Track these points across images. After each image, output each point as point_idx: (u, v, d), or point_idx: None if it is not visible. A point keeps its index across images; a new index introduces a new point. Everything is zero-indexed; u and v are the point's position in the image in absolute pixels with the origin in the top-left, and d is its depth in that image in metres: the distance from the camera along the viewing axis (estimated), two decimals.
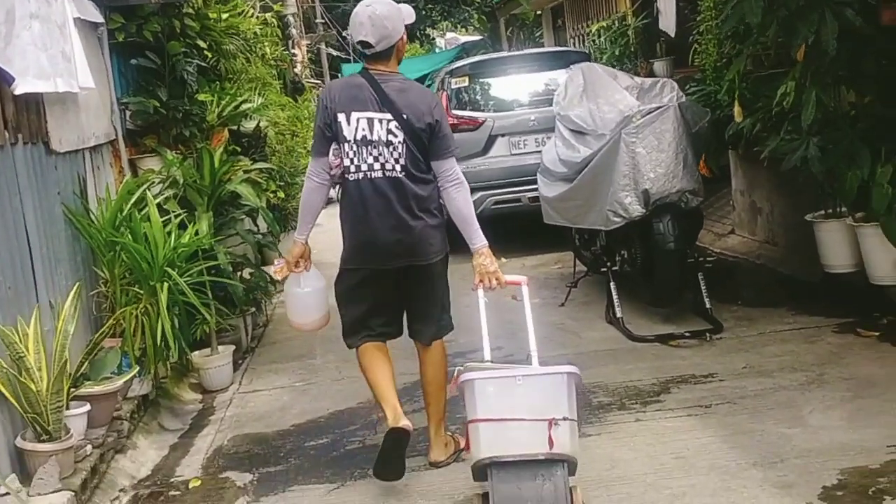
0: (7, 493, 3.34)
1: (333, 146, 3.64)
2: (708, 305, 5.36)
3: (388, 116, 3.57)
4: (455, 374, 3.31)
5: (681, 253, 5.36)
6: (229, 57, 7.00)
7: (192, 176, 5.64)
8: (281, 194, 7.73)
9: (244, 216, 6.13)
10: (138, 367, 4.51)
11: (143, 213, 5.01)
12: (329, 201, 4.06)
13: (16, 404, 3.57)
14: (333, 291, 3.89)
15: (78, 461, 3.73)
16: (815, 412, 3.90)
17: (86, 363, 4.16)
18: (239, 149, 6.72)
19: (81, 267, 4.82)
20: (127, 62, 5.86)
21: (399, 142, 3.57)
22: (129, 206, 5.02)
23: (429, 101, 3.69)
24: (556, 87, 7.82)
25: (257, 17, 8.94)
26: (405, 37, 3.72)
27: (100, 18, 5.36)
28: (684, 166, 5.29)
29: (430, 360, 3.82)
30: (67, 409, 3.78)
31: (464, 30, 24.62)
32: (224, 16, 6.88)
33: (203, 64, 6.35)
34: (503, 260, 6.56)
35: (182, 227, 5.20)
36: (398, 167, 3.58)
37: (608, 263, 5.76)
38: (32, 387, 3.55)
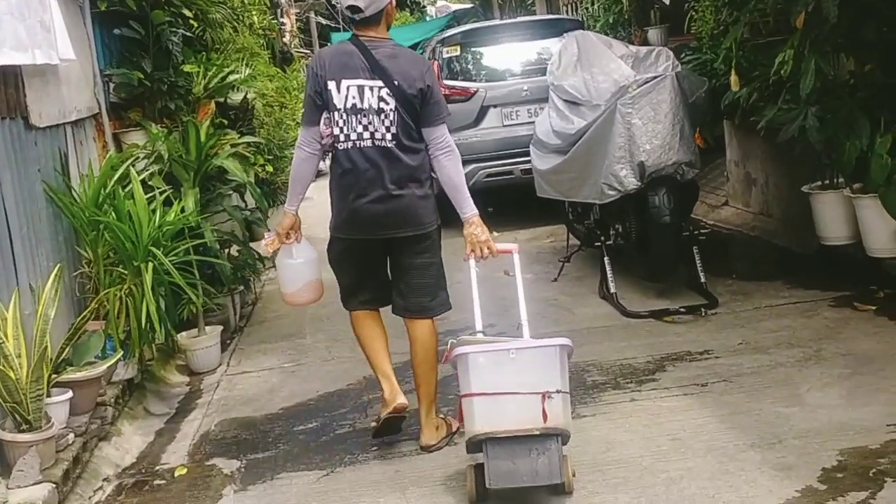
0: None
1: (324, 115, 3.59)
2: (703, 280, 5.28)
3: (380, 83, 3.51)
4: (448, 348, 3.29)
5: (676, 226, 5.27)
6: (215, 26, 6.82)
7: (177, 150, 5.50)
8: (269, 168, 7.58)
9: (231, 192, 5.99)
10: (122, 352, 4.42)
11: (127, 190, 4.88)
12: (319, 173, 3.98)
13: None
14: (328, 262, 3.86)
15: (59, 451, 3.64)
16: (813, 390, 3.83)
17: (68, 348, 4.05)
18: (226, 122, 6.57)
19: (63, 247, 4.70)
20: (110, 32, 5.69)
21: (391, 109, 3.52)
22: (112, 182, 4.89)
23: (420, 66, 3.62)
24: (549, 56, 7.69)
25: None
26: (394, 1, 3.66)
27: None
28: (681, 138, 5.19)
29: (419, 338, 3.75)
30: (48, 396, 3.68)
31: None
32: None
33: (188, 34, 6.18)
34: (495, 233, 6.43)
35: (167, 203, 5.08)
36: (389, 136, 3.53)
37: (602, 238, 5.67)
38: (11, 375, 3.45)
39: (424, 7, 25.00)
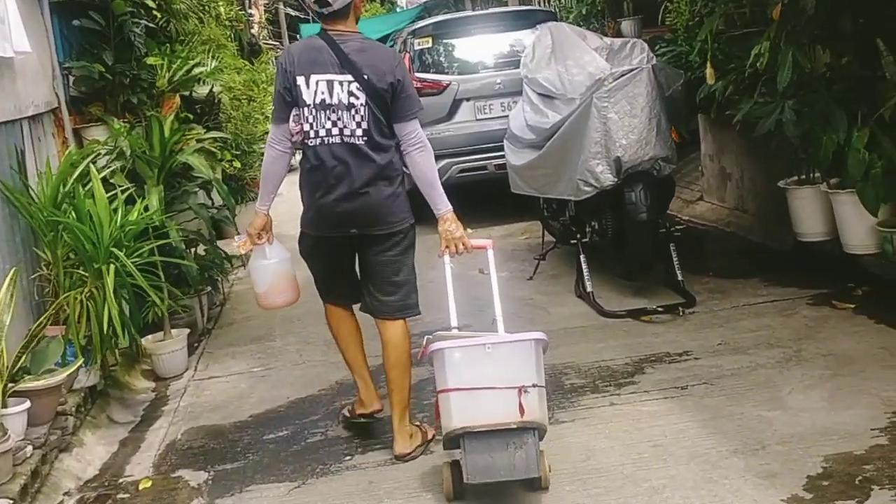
0: None
1: (294, 111, 3.51)
2: (680, 278, 5.20)
3: (349, 77, 3.45)
4: (424, 344, 3.27)
5: (653, 223, 5.19)
6: (180, 17, 6.61)
7: (140, 146, 5.31)
8: (237, 164, 7.40)
9: (197, 189, 5.81)
10: (83, 359, 4.24)
11: (87, 188, 4.69)
12: (290, 169, 3.88)
13: None
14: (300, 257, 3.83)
15: (17, 465, 3.47)
16: (795, 392, 3.76)
17: (25, 355, 3.89)
18: (191, 116, 6.36)
19: (21, 249, 4.52)
20: (69, 23, 5.47)
21: (361, 104, 3.45)
22: (72, 180, 4.71)
23: (390, 60, 3.55)
24: (521, 48, 7.60)
25: None
26: None
27: None
28: (657, 132, 5.10)
29: (391, 340, 3.65)
30: (4, 407, 3.52)
31: None
32: None
33: (151, 25, 5.96)
34: (469, 230, 6.30)
35: (130, 202, 4.90)
36: (359, 132, 3.46)
37: (578, 235, 5.57)
38: None
39: None
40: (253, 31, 13.38)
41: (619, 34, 9.54)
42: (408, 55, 8.21)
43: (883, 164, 4.48)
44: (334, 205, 3.51)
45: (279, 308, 4.13)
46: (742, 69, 5.64)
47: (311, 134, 3.50)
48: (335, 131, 3.47)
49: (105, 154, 5.27)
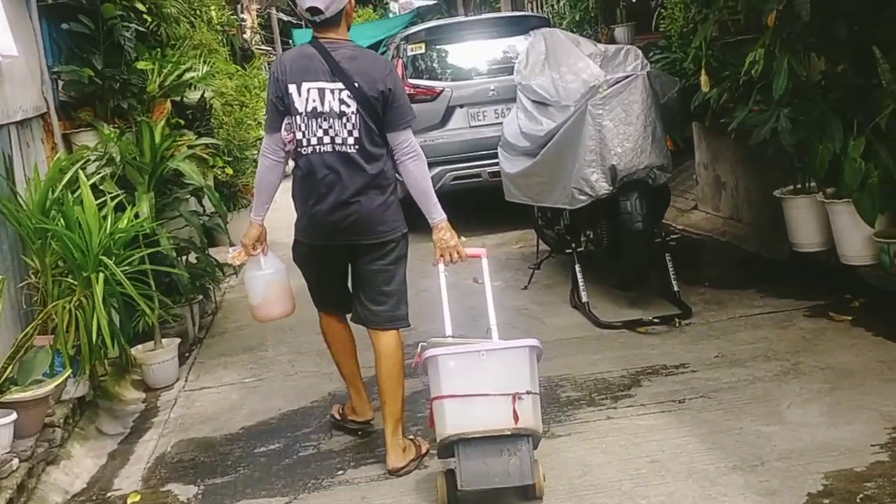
0: None
1: (286, 120, 3.51)
2: (676, 288, 5.15)
3: (340, 85, 3.43)
4: (418, 351, 3.26)
5: (649, 233, 5.14)
6: (171, 21, 6.52)
7: (131, 152, 5.24)
8: (229, 170, 7.31)
9: (189, 196, 5.74)
10: (71, 369, 4.17)
11: (76, 194, 4.62)
12: (284, 176, 3.85)
13: None
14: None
15: (3, 478, 3.40)
16: (794, 407, 3.72)
17: (11, 365, 3.82)
18: (183, 122, 6.29)
19: (9, 256, 4.45)
20: (58, 26, 5.39)
21: (352, 112, 3.43)
22: (60, 187, 4.63)
23: (381, 68, 3.53)
24: (515, 54, 7.57)
25: None
26: (353, 1, 3.59)
27: None
28: (653, 140, 5.06)
29: (383, 351, 3.60)
30: None
31: None
32: None
33: (142, 29, 5.89)
34: (463, 238, 6.26)
35: (121, 209, 4.83)
36: (351, 140, 3.45)
37: (573, 244, 5.53)
38: None
39: (387, 4, 24.71)
40: (245, 36, 13.29)
41: (612, 41, 9.51)
42: (401, 61, 8.17)
43: (880, 174, 4.46)
44: (326, 214, 3.49)
45: (274, 320, 4.07)
46: (737, 76, 5.60)
47: (303, 142, 3.48)
48: (326, 140, 3.45)
49: (95, 160, 5.19)
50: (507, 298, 5.58)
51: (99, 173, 5.10)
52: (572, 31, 9.10)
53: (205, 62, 6.96)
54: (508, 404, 3.04)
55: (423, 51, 8.26)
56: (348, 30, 3.60)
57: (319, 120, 3.44)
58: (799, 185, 5.34)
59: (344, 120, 3.43)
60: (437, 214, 3.56)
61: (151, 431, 4.37)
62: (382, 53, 10.18)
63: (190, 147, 5.75)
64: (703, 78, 6.01)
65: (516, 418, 3.04)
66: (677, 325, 4.87)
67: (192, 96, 6.53)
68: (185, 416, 4.50)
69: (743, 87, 5.59)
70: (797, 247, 5.32)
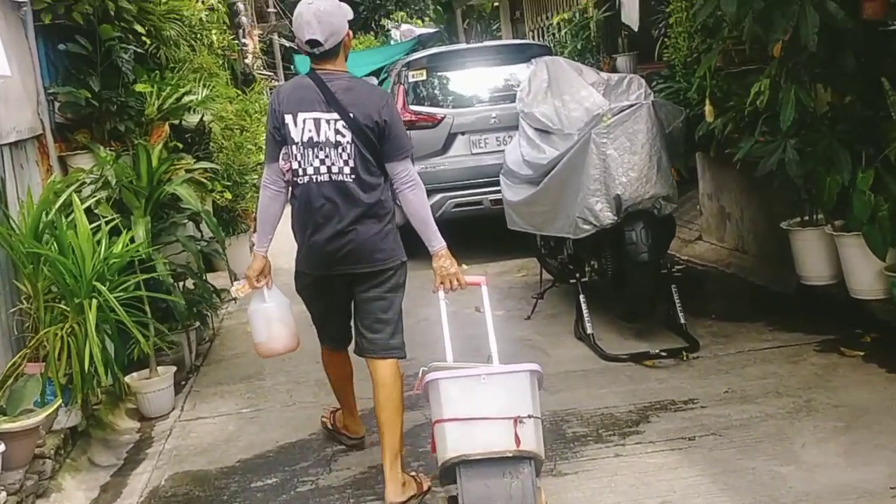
0: None
1: (283, 150, 3.54)
2: (682, 321, 5.05)
3: (335, 116, 3.46)
4: (420, 376, 3.26)
5: (655, 264, 5.06)
6: (170, 44, 6.46)
7: (127, 176, 5.15)
8: (228, 195, 7.22)
9: (186, 220, 5.64)
10: (63, 398, 4.04)
11: (69, 218, 4.52)
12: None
13: None
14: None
15: None
16: (808, 446, 3.60)
17: (0, 394, 3.69)
18: (181, 145, 6.21)
19: (0, 281, 4.32)
20: (55, 47, 5.32)
21: (347, 142, 3.46)
22: (54, 210, 4.53)
23: (377, 99, 3.55)
24: (516, 82, 7.53)
25: (203, 2, 8.41)
26: (350, 33, 3.63)
27: None
28: (658, 170, 4.99)
29: (381, 381, 3.56)
30: None
31: (419, 21, 24.12)
32: None
33: (141, 51, 5.82)
34: (464, 266, 6.18)
35: (116, 233, 4.72)
36: (347, 169, 3.47)
37: (577, 274, 5.43)
38: None
39: (389, 31, 24.81)
40: (247, 60, 13.26)
41: (614, 70, 9.50)
42: (402, 87, 8.11)
43: (889, 207, 4.39)
44: (324, 244, 3.50)
45: (278, 355, 3.98)
46: (741, 107, 5.56)
47: (300, 172, 3.50)
48: (323, 169, 3.47)
49: (90, 183, 5.10)
50: (510, 328, 5.48)
51: (94, 196, 5.01)
52: (574, 60, 9.09)
53: (205, 86, 6.89)
54: (510, 428, 3.02)
55: (424, 77, 8.22)
56: (346, 60, 3.63)
57: (316, 149, 3.46)
58: (806, 217, 5.27)
59: (339, 150, 3.45)
60: (436, 242, 3.56)
61: (145, 463, 4.24)
62: (383, 80, 10.16)
63: (188, 171, 5.66)
64: (708, 108, 5.98)
65: (518, 441, 3.02)
66: (685, 358, 4.77)
67: (191, 120, 6.45)
68: (181, 448, 4.37)
69: (748, 118, 5.55)
70: (805, 279, 5.24)
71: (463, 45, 10.74)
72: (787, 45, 4.64)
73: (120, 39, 5.48)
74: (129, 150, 5.48)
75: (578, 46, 10.72)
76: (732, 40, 5.85)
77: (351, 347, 3.81)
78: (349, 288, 3.63)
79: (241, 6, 13.02)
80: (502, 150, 6.76)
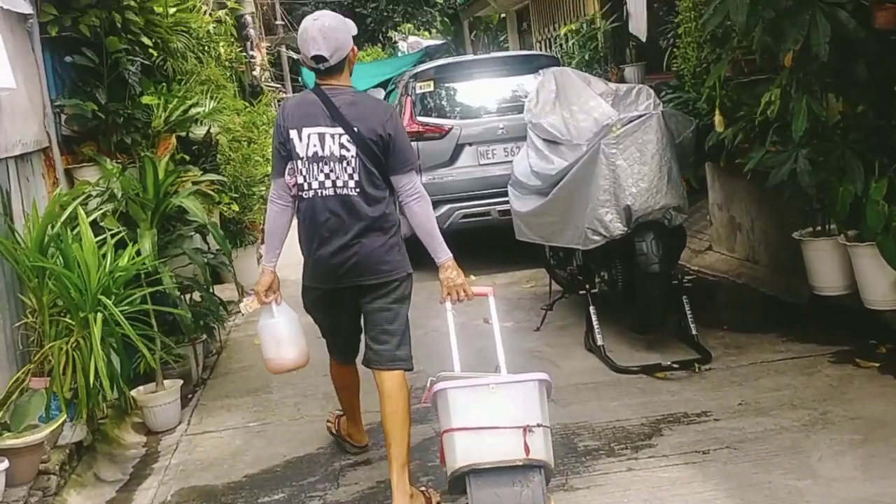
0: None
1: (289, 164, 3.57)
2: (694, 332, 4.99)
3: (340, 130, 3.49)
4: (428, 386, 3.26)
5: (665, 275, 4.99)
6: (177, 56, 6.44)
7: (133, 188, 5.12)
8: (235, 207, 7.19)
9: (193, 233, 5.61)
10: (66, 415, 3.99)
11: (75, 231, 4.49)
12: None
13: None
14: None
15: None
16: (825, 459, 3.53)
17: (4, 409, 3.65)
18: (188, 157, 6.20)
19: (5, 295, 4.30)
20: (62, 59, 5.30)
21: (352, 156, 3.48)
22: (59, 223, 4.50)
23: (381, 113, 3.57)
24: (524, 93, 7.51)
25: (210, 15, 8.41)
26: (355, 48, 3.65)
27: (28, 9, 4.80)
28: (668, 180, 4.94)
29: (387, 391, 3.55)
30: None
31: (427, 33, 24.14)
32: (171, 10, 6.31)
33: (147, 63, 5.81)
34: (472, 277, 6.16)
35: (122, 245, 4.69)
36: (351, 183, 3.49)
37: (587, 285, 5.37)
38: None
39: (396, 43, 24.85)
40: (255, 72, 13.26)
41: (622, 80, 9.47)
42: (409, 99, 8.08)
43: None
44: (329, 257, 3.52)
45: (288, 371, 3.93)
46: (752, 117, 5.51)
47: (305, 186, 3.52)
48: (328, 183, 3.49)
49: (96, 196, 5.07)
50: (519, 340, 5.42)
51: (100, 209, 4.98)
52: (582, 71, 9.06)
53: (212, 98, 6.88)
54: (519, 437, 3.03)
55: (431, 89, 8.19)
56: (350, 75, 3.65)
57: (320, 164, 3.49)
58: (819, 228, 5.22)
59: (344, 164, 3.47)
60: (443, 254, 3.57)
61: (151, 478, 4.19)
62: (391, 92, 10.14)
63: (195, 183, 5.64)
64: (718, 118, 5.93)
65: (527, 450, 3.02)
66: (697, 370, 4.70)
67: (198, 132, 6.42)
68: (187, 462, 4.31)
69: (758, 128, 5.50)
70: (818, 290, 5.18)
71: (470, 57, 10.74)
72: (798, 54, 4.60)
73: (127, 51, 5.47)
74: (135, 162, 5.45)
75: (586, 57, 10.71)
76: (742, 50, 5.81)
77: (359, 359, 3.81)
78: (356, 300, 3.63)
79: (248, 18, 13.05)
80: (510, 161, 6.74)
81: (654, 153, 4.92)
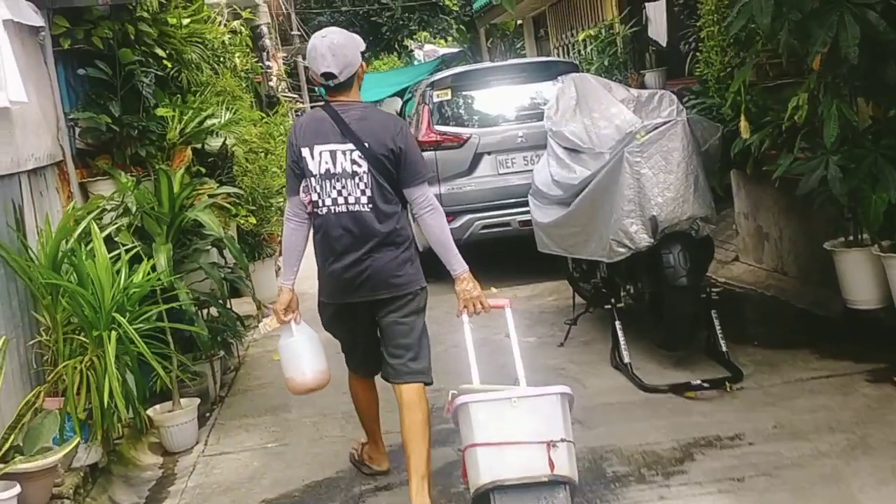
0: None
1: (303, 182, 3.60)
2: (724, 348, 4.82)
3: (351, 146, 3.52)
4: (449, 400, 3.24)
5: (694, 288, 4.83)
6: (192, 67, 6.37)
7: (148, 202, 5.03)
8: (252, 220, 7.10)
9: (209, 247, 5.51)
10: (80, 437, 3.90)
11: (89, 247, 4.40)
12: None
13: None
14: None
15: None
16: (867, 489, 3.36)
17: (15, 431, 3.55)
18: (204, 170, 6.11)
19: (18, 312, 4.21)
20: (75, 72, 5.23)
21: (364, 171, 3.51)
22: (73, 238, 4.41)
23: (391, 128, 3.59)
24: (543, 100, 7.38)
25: (225, 25, 8.35)
26: (363, 64, 3.68)
27: (39, 21, 4.72)
28: (695, 189, 4.79)
29: (406, 403, 3.55)
30: None
31: (443, 41, 24.07)
32: (185, 21, 6.23)
33: (161, 74, 5.72)
34: (493, 289, 6.03)
35: (137, 260, 4.60)
36: (364, 199, 3.52)
37: (612, 299, 5.22)
38: None
39: (412, 51, 24.76)
40: (271, 83, 13.19)
41: (643, 86, 9.32)
42: (427, 108, 7.97)
43: None
44: (342, 271, 3.54)
45: (310, 391, 3.84)
46: (778, 122, 5.36)
47: (319, 203, 3.55)
48: (340, 200, 3.52)
49: (110, 210, 4.99)
50: (542, 356, 5.28)
51: (115, 224, 4.90)
52: (601, 77, 8.91)
53: (227, 109, 6.80)
54: (543, 452, 2.99)
55: (449, 97, 8.07)
56: (359, 90, 3.68)
57: (333, 181, 3.51)
58: (851, 238, 5.06)
59: (356, 180, 3.50)
60: (458, 266, 3.58)
61: (168, 502, 4.09)
62: (408, 100, 10.04)
63: (210, 196, 5.55)
64: (743, 124, 5.78)
65: (552, 466, 2.97)
66: (728, 389, 4.53)
67: (214, 144, 6.35)
68: (204, 486, 4.21)
69: (785, 134, 5.35)
70: (851, 303, 5.02)
71: (487, 64, 10.60)
72: (826, 57, 4.45)
73: (140, 63, 5.40)
74: (150, 175, 5.37)
75: (605, 63, 10.55)
76: (767, 53, 5.68)
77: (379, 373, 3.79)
78: (371, 315, 3.64)
79: (264, 29, 12.98)
80: (530, 170, 6.63)
81: (680, 161, 4.77)
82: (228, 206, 6.03)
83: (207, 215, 5.19)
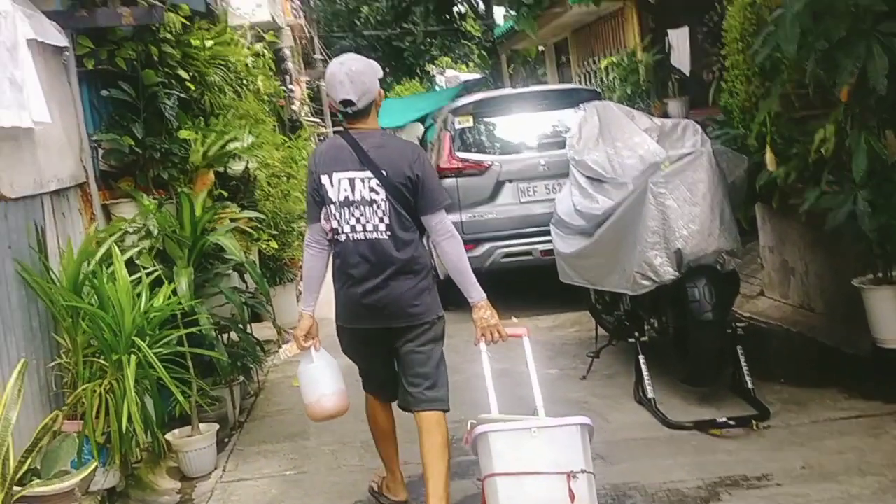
0: None
1: (323, 210, 3.63)
2: (750, 385, 4.73)
3: (369, 174, 3.53)
4: (468, 429, 3.24)
5: (720, 324, 4.76)
6: (215, 90, 6.38)
7: (170, 225, 5.02)
8: (274, 244, 7.08)
9: (231, 271, 5.48)
10: (97, 461, 3.86)
11: (110, 270, 4.39)
12: None
13: None
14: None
15: None
16: None
17: (33, 454, 3.52)
18: (226, 193, 6.10)
19: (39, 335, 4.19)
20: (99, 93, 5.24)
21: (382, 199, 3.53)
22: (95, 261, 4.40)
23: (409, 155, 3.60)
24: (565, 127, 7.33)
25: (248, 48, 8.38)
26: (381, 91, 3.68)
27: (63, 41, 4.74)
28: (721, 222, 4.73)
29: (424, 427, 3.58)
30: None
31: (464, 66, 24.18)
32: (209, 43, 6.25)
33: (184, 96, 5.73)
34: (514, 318, 5.94)
35: (158, 283, 4.58)
36: (382, 226, 3.54)
37: (635, 333, 5.15)
38: None
39: (434, 76, 24.88)
40: (294, 107, 13.26)
41: (665, 115, 9.28)
42: (448, 134, 7.94)
43: None
44: (360, 298, 3.57)
45: (330, 418, 3.85)
46: (805, 155, 5.29)
47: (338, 230, 3.58)
48: (359, 227, 3.54)
49: (132, 233, 4.98)
50: (564, 389, 5.21)
51: (136, 247, 4.88)
52: (624, 105, 8.87)
53: (250, 132, 6.80)
54: (563, 483, 2.98)
55: (470, 124, 8.05)
56: (378, 117, 3.69)
57: (351, 208, 3.53)
58: (880, 274, 4.97)
59: (375, 207, 3.52)
60: (475, 294, 3.59)
61: None
62: (429, 127, 10.04)
63: (232, 220, 5.54)
64: (769, 156, 5.71)
65: (572, 497, 2.95)
66: (755, 427, 4.44)
67: (236, 167, 6.35)
68: None
69: (812, 167, 5.28)
70: (881, 342, 4.92)
71: (509, 91, 10.59)
72: (853, 88, 4.41)
73: (164, 85, 5.41)
74: (172, 198, 5.36)
75: (628, 91, 10.53)
76: (793, 84, 5.61)
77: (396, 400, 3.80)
78: (388, 342, 3.66)
79: (287, 52, 13.06)
80: (552, 199, 6.58)
81: (706, 193, 4.72)
82: (250, 230, 6.01)
83: (229, 239, 5.18)
